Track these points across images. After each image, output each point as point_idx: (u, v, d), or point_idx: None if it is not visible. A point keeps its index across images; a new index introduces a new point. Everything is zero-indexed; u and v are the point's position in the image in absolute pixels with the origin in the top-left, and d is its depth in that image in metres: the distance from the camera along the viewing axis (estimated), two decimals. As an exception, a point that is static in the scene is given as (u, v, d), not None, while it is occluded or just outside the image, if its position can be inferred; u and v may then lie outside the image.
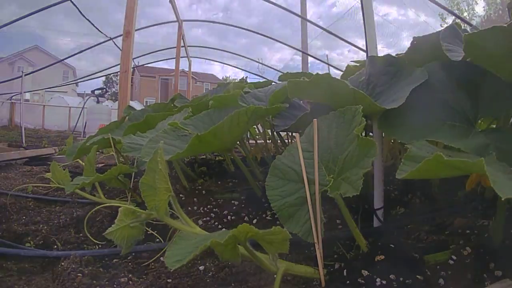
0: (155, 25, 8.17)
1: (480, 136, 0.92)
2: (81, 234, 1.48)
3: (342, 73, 2.10)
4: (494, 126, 1.28)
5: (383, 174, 1.18)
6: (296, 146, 1.05)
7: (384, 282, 0.83)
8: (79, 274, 1.01)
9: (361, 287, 0.85)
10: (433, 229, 1.11)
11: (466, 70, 1.08)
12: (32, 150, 3.79)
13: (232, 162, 2.23)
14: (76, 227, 1.58)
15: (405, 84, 1.11)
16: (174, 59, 7.97)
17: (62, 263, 1.09)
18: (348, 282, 0.87)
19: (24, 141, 6.48)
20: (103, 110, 8.65)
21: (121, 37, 3.60)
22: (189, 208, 1.60)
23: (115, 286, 0.99)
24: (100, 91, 10.09)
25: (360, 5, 1.31)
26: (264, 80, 2.94)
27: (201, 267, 1.09)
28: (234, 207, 1.58)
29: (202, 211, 1.58)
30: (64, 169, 1.84)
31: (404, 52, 1.35)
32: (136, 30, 3.73)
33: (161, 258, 1.18)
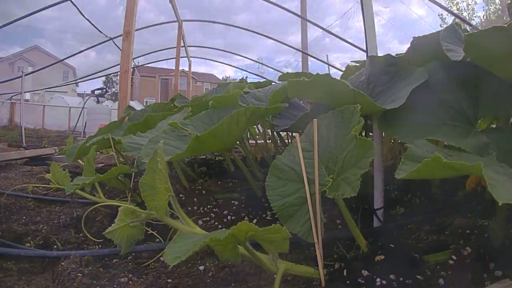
0: (155, 25, 8.17)
1: (480, 135, 0.92)
2: (81, 234, 1.48)
3: (342, 73, 2.10)
4: (494, 126, 1.28)
5: (383, 174, 1.18)
6: (296, 146, 1.05)
7: (384, 282, 0.83)
8: (79, 274, 1.01)
9: (361, 287, 0.85)
10: (433, 229, 1.11)
11: (466, 70, 1.08)
12: (32, 150, 3.79)
13: (232, 162, 2.23)
14: (76, 227, 1.58)
15: (405, 84, 1.11)
16: (174, 59, 7.97)
17: (62, 263, 1.09)
18: (348, 282, 0.87)
19: (24, 141, 6.48)
20: (103, 110, 8.65)
21: (121, 37, 3.60)
22: (189, 208, 1.60)
23: (115, 286, 0.99)
24: (100, 91, 10.09)
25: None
26: (264, 80, 2.94)
27: (201, 267, 1.09)
28: (234, 207, 1.58)
29: (202, 211, 1.58)
30: (64, 170, 1.85)
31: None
32: (136, 30, 3.73)
33: (161, 258, 1.18)
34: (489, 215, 1.06)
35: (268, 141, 2.56)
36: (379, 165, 1.18)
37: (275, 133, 2.28)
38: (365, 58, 1.35)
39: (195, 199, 1.70)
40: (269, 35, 8.39)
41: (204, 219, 1.51)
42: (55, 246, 1.40)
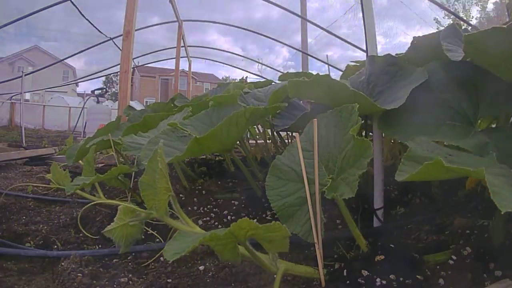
0: (155, 25, 8.17)
1: (480, 135, 0.92)
2: (81, 234, 1.48)
3: (342, 73, 2.10)
4: (494, 125, 1.28)
5: (383, 174, 1.18)
6: (296, 146, 1.04)
7: (384, 282, 0.83)
8: (79, 274, 1.01)
9: (361, 287, 0.85)
10: (433, 229, 1.11)
11: (466, 70, 1.08)
12: (32, 150, 3.79)
13: (232, 162, 2.23)
14: (76, 227, 1.58)
15: (405, 84, 1.11)
16: (174, 59, 7.98)
17: (62, 263, 1.09)
18: (348, 282, 0.87)
19: (24, 141, 6.48)
20: (103, 110, 8.63)
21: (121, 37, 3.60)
22: (189, 208, 1.60)
23: (115, 286, 0.99)
24: (100, 91, 10.08)
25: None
26: (264, 80, 2.94)
27: (201, 267, 1.09)
28: (234, 207, 1.58)
29: (202, 211, 1.58)
30: (64, 170, 1.85)
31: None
32: (136, 30, 3.73)
33: (161, 258, 1.18)
34: (489, 215, 1.05)
35: (268, 141, 2.56)
36: (379, 165, 1.18)
37: (275, 133, 2.28)
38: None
39: (195, 199, 1.70)
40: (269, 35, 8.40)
41: (204, 219, 1.51)
42: (55, 246, 1.40)
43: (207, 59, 10.41)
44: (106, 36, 7.15)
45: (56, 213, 1.77)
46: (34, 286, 1.05)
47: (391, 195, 1.44)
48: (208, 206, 1.62)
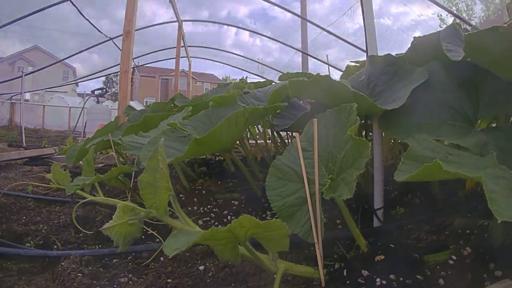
0: (155, 25, 8.17)
1: (480, 135, 0.92)
2: (81, 234, 1.48)
3: (342, 73, 2.10)
4: (494, 125, 1.28)
5: (383, 174, 1.18)
6: (296, 146, 1.04)
7: (384, 282, 0.83)
8: (79, 274, 1.01)
9: (361, 287, 0.84)
10: (433, 229, 1.11)
11: (466, 70, 1.08)
12: (32, 150, 3.78)
13: (232, 162, 2.23)
14: (76, 227, 1.58)
15: (405, 84, 1.11)
16: (174, 59, 7.97)
17: (62, 263, 1.09)
18: (348, 282, 0.87)
19: (24, 141, 6.47)
20: (103, 110, 8.63)
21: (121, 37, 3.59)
22: (189, 208, 1.60)
23: (115, 286, 0.99)
24: (100, 91, 10.07)
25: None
26: (264, 80, 2.94)
27: (201, 267, 1.09)
28: (234, 207, 1.58)
29: (202, 211, 1.58)
30: (64, 170, 1.85)
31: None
32: (136, 30, 3.73)
33: (161, 258, 1.18)
34: (489, 215, 1.05)
35: (268, 141, 2.56)
36: (379, 165, 1.18)
37: (275, 133, 2.28)
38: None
39: (195, 199, 1.70)
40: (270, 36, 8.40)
41: (204, 219, 1.51)
42: (55, 246, 1.40)
43: (207, 59, 10.41)
44: (106, 36, 7.15)
45: (56, 213, 1.77)
46: (34, 286, 1.05)
47: (391, 195, 1.44)
48: (208, 206, 1.62)
